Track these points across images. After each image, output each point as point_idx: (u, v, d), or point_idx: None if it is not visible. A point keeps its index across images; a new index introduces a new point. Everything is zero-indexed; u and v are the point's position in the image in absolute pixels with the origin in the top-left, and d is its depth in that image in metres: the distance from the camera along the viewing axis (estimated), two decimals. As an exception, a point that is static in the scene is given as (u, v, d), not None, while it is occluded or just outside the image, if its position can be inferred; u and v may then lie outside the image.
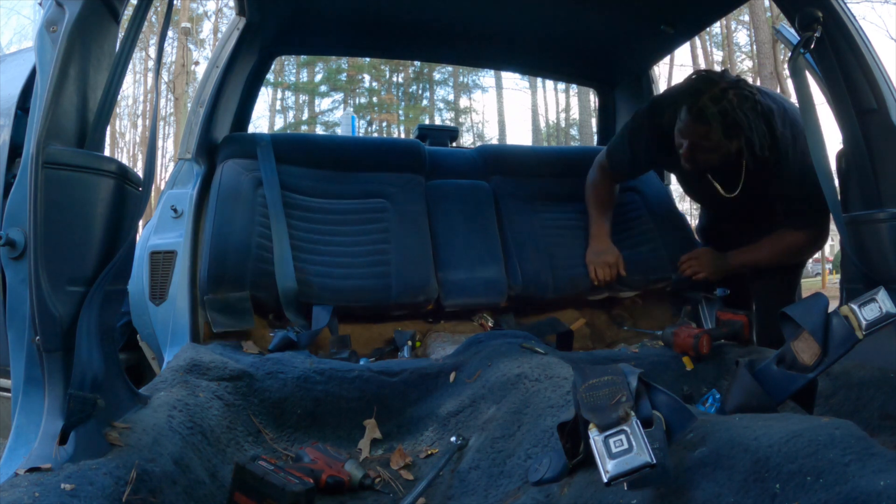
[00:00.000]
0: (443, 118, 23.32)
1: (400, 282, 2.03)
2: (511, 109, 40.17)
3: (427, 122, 22.31)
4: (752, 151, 1.79)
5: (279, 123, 23.23)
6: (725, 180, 2.01)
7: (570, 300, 2.21)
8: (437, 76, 23.34)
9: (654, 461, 0.82)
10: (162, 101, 18.72)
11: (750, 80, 1.95)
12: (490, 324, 2.15)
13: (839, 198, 1.59)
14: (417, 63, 20.09)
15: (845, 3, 1.54)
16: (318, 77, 22.62)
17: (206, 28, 21.01)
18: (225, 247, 1.89)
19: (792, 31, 1.69)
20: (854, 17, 1.54)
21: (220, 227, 1.91)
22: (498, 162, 2.41)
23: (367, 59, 19.33)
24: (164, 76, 17.45)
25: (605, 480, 0.83)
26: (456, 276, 2.10)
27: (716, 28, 18.24)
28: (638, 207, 2.38)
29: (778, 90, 9.58)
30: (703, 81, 1.81)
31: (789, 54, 1.66)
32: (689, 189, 2.30)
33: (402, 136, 21.10)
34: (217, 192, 1.98)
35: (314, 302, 1.92)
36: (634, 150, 2.14)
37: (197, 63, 18.30)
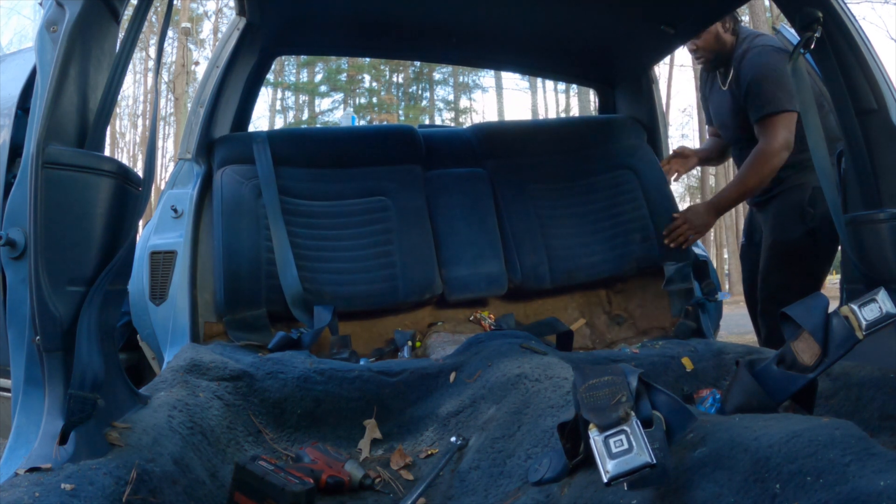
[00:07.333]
0: (443, 118, 23.32)
1: (406, 282, 2.09)
2: (511, 110, 39.93)
3: (427, 122, 22.28)
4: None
5: (279, 123, 23.24)
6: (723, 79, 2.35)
7: (566, 289, 2.31)
8: (437, 76, 23.35)
9: (654, 461, 0.82)
10: (162, 101, 18.74)
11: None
12: (489, 324, 2.16)
13: (839, 198, 1.59)
14: (417, 63, 20.08)
15: (845, 3, 1.54)
16: (318, 77, 22.62)
17: (206, 28, 21.05)
18: (237, 269, 1.92)
19: (792, 31, 1.69)
20: (854, 17, 1.53)
21: (229, 245, 1.94)
22: (493, 142, 2.43)
23: (367, 59, 19.33)
24: (164, 76, 17.46)
25: (605, 480, 0.83)
26: (459, 273, 2.16)
27: (716, 28, 18.17)
28: (633, 189, 2.35)
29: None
30: None
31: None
32: (714, 114, 2.47)
33: (402, 136, 21.00)
34: (220, 206, 1.99)
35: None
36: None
37: (197, 63, 18.31)
